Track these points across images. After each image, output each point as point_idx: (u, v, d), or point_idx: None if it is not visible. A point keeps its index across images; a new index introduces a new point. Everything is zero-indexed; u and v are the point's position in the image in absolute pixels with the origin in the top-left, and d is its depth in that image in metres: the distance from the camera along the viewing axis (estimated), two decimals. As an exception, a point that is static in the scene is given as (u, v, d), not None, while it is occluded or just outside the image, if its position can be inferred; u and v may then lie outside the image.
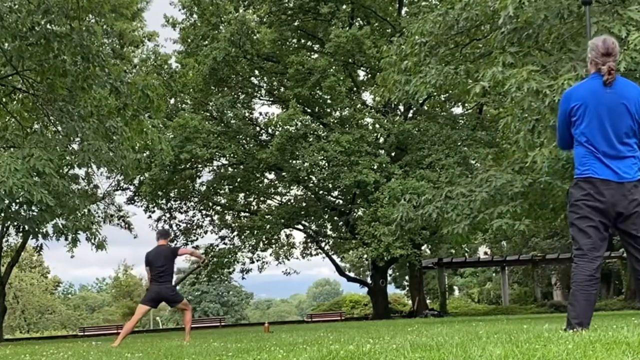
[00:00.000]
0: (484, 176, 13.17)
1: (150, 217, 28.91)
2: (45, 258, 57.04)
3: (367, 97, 29.82)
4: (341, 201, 29.19)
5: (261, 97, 29.79)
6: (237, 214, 30.17)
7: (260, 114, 50.36)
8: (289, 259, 30.78)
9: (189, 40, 27.38)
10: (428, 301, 36.36)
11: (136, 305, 9.78)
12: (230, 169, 28.14)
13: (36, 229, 14.04)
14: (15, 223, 14.53)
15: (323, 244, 31.20)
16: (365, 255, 26.85)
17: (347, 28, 25.46)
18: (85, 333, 31.32)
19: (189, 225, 29.70)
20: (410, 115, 28.11)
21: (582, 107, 4.23)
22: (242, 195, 30.24)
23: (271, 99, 29.74)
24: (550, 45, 11.13)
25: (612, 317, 9.14)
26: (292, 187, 29.15)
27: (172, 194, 28.29)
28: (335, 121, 27.76)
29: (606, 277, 35.36)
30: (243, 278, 31.30)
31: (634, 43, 8.93)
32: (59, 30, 14.03)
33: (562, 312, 22.28)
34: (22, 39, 13.70)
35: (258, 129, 28.97)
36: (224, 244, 29.57)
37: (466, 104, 27.60)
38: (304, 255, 31.26)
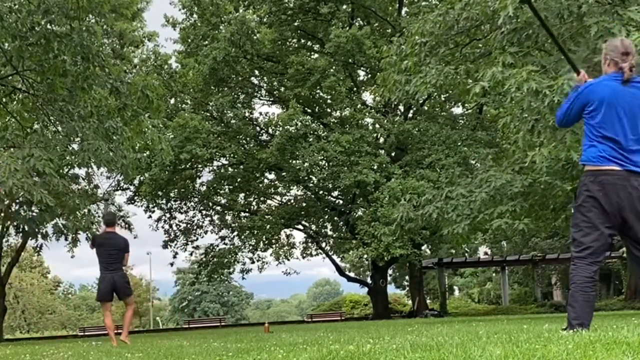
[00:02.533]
0: (483, 176, 13.17)
1: (150, 217, 28.94)
2: (45, 258, 57.10)
3: (367, 97, 29.85)
4: (341, 201, 29.19)
5: (261, 97, 29.81)
6: (237, 214, 30.17)
7: (260, 114, 50.51)
8: (289, 259, 30.80)
9: (189, 40, 27.38)
10: (428, 301, 36.38)
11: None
12: (230, 169, 28.15)
13: (36, 230, 14.05)
14: (16, 223, 14.55)
15: (323, 244, 31.20)
16: (365, 255, 26.86)
17: (347, 28, 25.45)
18: (86, 333, 31.34)
19: (189, 225, 29.71)
20: (410, 115, 28.11)
21: (602, 104, 4.30)
22: (242, 195, 30.25)
23: (271, 99, 29.74)
24: (550, 46, 11.13)
25: (612, 317, 9.14)
26: (292, 187, 29.16)
27: (172, 194, 28.30)
28: (335, 121, 27.76)
29: (606, 277, 35.39)
30: (243, 278, 31.34)
31: (634, 43, 8.94)
32: (59, 30, 14.01)
33: (562, 312, 22.29)
34: (22, 39, 13.68)
35: (258, 129, 28.97)
36: (224, 244, 29.59)
37: (466, 104, 27.60)
38: (304, 255, 31.29)
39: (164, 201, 28.52)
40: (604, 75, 4.45)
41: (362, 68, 28.66)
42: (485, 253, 39.83)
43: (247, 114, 28.10)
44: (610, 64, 4.40)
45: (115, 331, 9.52)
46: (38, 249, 25.30)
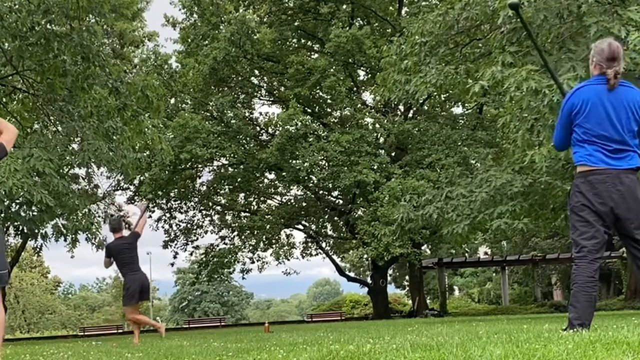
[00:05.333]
0: (484, 176, 13.17)
1: (150, 217, 28.93)
2: (45, 258, 57.12)
3: (367, 97, 29.86)
4: (341, 201, 29.20)
5: (261, 97, 29.82)
6: (237, 214, 30.18)
7: (260, 114, 50.54)
8: (289, 259, 30.75)
9: (189, 40, 27.39)
10: (428, 301, 36.39)
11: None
12: (230, 169, 28.15)
13: (35, 230, 14.03)
14: (16, 223, 14.54)
15: (323, 244, 31.20)
16: (365, 255, 26.86)
17: (347, 28, 25.46)
18: (86, 333, 31.32)
19: (189, 225, 29.71)
20: (410, 115, 28.12)
21: (586, 105, 4.28)
22: (242, 195, 30.25)
23: (271, 99, 29.75)
24: (550, 45, 11.13)
25: (612, 317, 9.14)
26: (292, 187, 29.16)
27: (172, 194, 28.30)
28: (335, 121, 27.76)
29: (606, 277, 35.39)
30: (243, 278, 31.34)
31: (634, 43, 8.94)
32: (59, 30, 14.02)
33: (563, 312, 22.30)
34: (22, 39, 13.69)
35: (258, 129, 28.98)
36: (224, 244, 29.58)
37: (466, 104, 27.60)
38: (304, 255, 31.27)
39: (164, 201, 28.52)
40: (589, 80, 4.45)
41: (362, 68, 28.67)
42: (485, 253, 39.84)
43: (247, 114, 28.10)
44: (595, 66, 4.37)
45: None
46: (38, 249, 25.29)
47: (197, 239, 30.03)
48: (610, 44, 4.34)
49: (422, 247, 28.75)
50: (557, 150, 4.78)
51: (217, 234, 29.99)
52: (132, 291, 9.24)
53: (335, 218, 29.38)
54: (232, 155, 26.17)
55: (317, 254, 31.47)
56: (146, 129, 16.32)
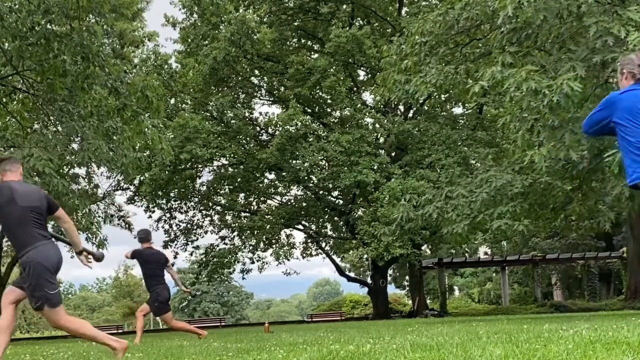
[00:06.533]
0: (484, 176, 13.16)
1: (150, 217, 28.95)
2: (45, 258, 56.97)
3: (367, 97, 29.86)
4: (341, 201, 29.19)
5: (261, 97, 29.81)
6: (237, 214, 30.18)
7: (260, 114, 50.50)
8: (289, 259, 30.77)
9: (189, 40, 27.39)
10: (428, 301, 36.37)
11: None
12: (230, 169, 28.15)
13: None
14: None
15: (323, 244, 31.19)
16: (365, 255, 26.84)
17: (347, 28, 25.46)
18: (86, 333, 31.25)
19: (189, 225, 29.70)
20: (410, 115, 28.11)
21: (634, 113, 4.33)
22: (242, 195, 30.25)
23: (271, 99, 29.75)
24: (550, 45, 11.13)
25: (612, 317, 9.14)
26: (292, 187, 29.16)
27: (172, 194, 28.29)
28: (335, 121, 27.74)
29: (606, 277, 35.40)
30: (243, 278, 31.33)
31: (633, 43, 8.94)
32: (59, 30, 14.01)
33: (563, 312, 22.30)
34: (22, 39, 13.67)
35: (258, 129, 28.97)
36: (224, 244, 29.58)
37: (466, 104, 27.60)
38: (304, 255, 31.27)
39: (164, 201, 28.51)
40: (630, 85, 4.45)
41: (362, 68, 28.67)
42: (485, 253, 39.83)
43: (247, 114, 28.09)
44: (628, 77, 4.47)
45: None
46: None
47: (197, 239, 30.04)
48: (637, 53, 4.59)
49: (422, 248, 28.74)
50: (585, 133, 4.81)
51: (217, 234, 30.02)
52: (164, 299, 9.64)
53: (335, 218, 29.37)
54: (232, 155, 26.17)
55: (317, 254, 31.48)
56: (146, 129, 16.29)
